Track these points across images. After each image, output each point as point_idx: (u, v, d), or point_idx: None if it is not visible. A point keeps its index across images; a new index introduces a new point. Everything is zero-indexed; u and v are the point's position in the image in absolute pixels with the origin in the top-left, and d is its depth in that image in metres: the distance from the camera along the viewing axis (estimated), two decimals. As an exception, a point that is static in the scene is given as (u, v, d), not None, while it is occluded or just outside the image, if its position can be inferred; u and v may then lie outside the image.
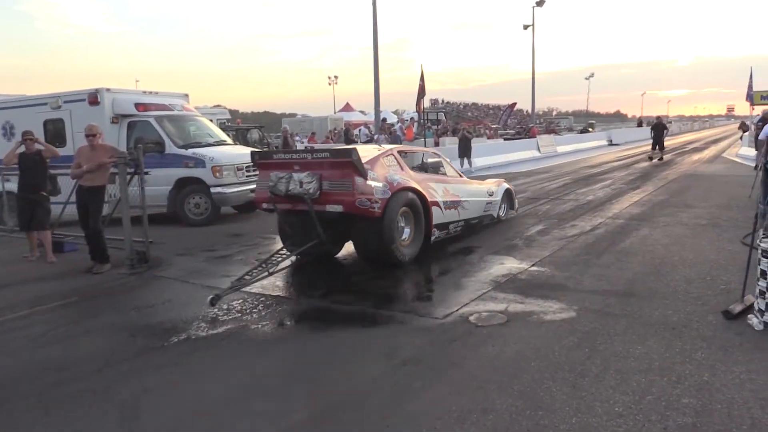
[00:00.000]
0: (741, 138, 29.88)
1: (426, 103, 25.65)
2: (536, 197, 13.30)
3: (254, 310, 5.67)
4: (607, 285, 6.06)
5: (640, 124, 62.38)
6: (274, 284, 6.56)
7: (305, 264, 7.52)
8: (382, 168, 7.25)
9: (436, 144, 23.97)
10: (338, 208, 6.68)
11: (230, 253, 8.33)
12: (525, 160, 25.34)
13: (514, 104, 56.57)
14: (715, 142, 40.20)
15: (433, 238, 7.90)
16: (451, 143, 23.32)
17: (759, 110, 29.62)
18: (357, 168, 6.71)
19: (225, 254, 8.29)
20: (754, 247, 5.19)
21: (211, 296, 5.65)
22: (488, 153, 23.94)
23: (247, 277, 6.21)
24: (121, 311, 5.93)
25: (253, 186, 11.14)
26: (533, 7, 41.46)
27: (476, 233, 9.08)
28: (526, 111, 62.54)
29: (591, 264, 6.97)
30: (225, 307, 5.80)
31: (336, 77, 74.35)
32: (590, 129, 55.30)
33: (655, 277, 6.30)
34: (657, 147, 22.80)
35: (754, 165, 15.46)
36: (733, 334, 4.60)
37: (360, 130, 30.87)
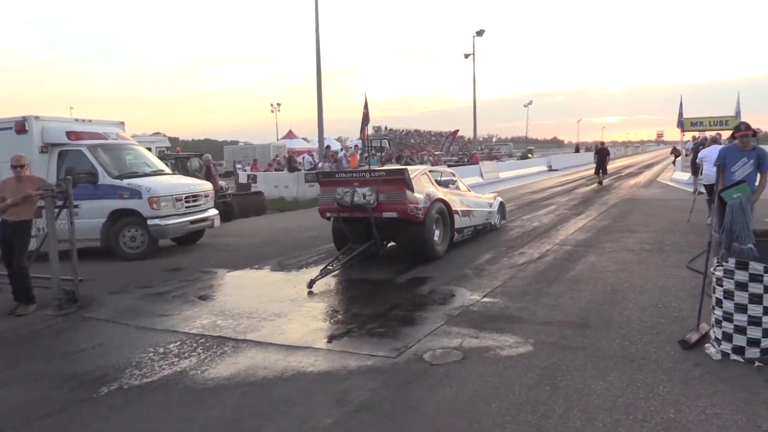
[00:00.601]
0: (674, 163, 31.04)
1: (369, 130, 25.56)
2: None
3: (193, 354, 5.26)
4: (561, 315, 5.93)
5: (577, 150, 64.29)
6: (214, 323, 6.17)
7: (242, 300, 7.14)
8: (420, 184, 9.20)
9: (381, 171, 23.88)
10: (393, 215, 8.58)
11: (168, 290, 7.85)
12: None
13: (457, 131, 57.41)
14: (649, 166, 41.69)
15: (455, 239, 9.93)
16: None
17: (689, 136, 30.85)
18: (407, 183, 8.66)
19: (162, 291, 7.81)
20: (702, 273, 5.19)
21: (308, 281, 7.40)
22: (433, 180, 23.97)
23: (329, 267, 8.19)
24: (45, 358, 5.42)
25: (193, 217, 10.84)
26: (473, 36, 42.41)
27: (424, 263, 8.88)
28: (468, 138, 63.58)
29: (543, 293, 6.86)
30: (161, 350, 5.38)
31: (278, 104, 74.05)
32: (529, 155, 56.66)
33: (608, 305, 6.22)
34: (600, 171, 23.81)
35: (692, 189, 15.93)
36: (693, 365, 4.50)
37: (303, 157, 30.53)
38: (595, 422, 3.64)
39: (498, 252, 9.62)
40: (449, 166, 34.20)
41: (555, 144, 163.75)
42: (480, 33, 42.39)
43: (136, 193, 10.24)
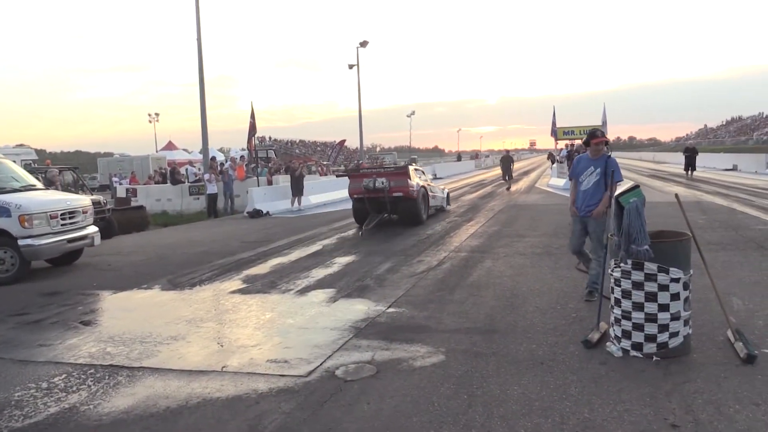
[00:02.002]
0: (551, 168, 32.86)
1: (254, 140, 25.00)
2: (377, 233, 13.29)
3: (82, 387, 4.78)
4: (468, 322, 5.99)
5: (459, 159, 66.52)
6: (103, 351, 5.67)
7: (133, 324, 6.65)
8: (413, 176, 14.55)
9: (269, 183, 23.40)
10: (399, 194, 13.82)
11: (46, 316, 7.15)
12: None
13: (344, 141, 57.68)
14: (526, 173, 43.85)
15: (429, 212, 15.41)
16: (284, 181, 22.88)
17: (562, 144, 32.75)
18: (408, 175, 14.26)
19: (39, 318, 7.11)
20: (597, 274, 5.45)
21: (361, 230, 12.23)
22: (324, 190, 23.82)
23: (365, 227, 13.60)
24: None
25: (71, 236, 10.02)
26: (357, 47, 42.75)
27: (325, 275, 8.73)
28: (354, 148, 64.00)
29: (447, 301, 6.92)
30: (44, 385, 4.85)
31: (157, 114, 71.22)
32: (414, 164, 57.92)
33: (510, 310, 6.36)
34: (507, 177, 25.92)
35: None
36: (598, 364, 4.67)
37: (187, 169, 29.36)
38: (517, 428, 3.66)
39: (396, 261, 9.64)
40: (338, 176, 34.26)
41: (437, 153, 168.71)
42: (364, 44, 42.86)
43: (4, 211, 9.31)
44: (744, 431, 3.53)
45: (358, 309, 6.76)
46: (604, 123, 33.48)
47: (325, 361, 5.06)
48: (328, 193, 23.95)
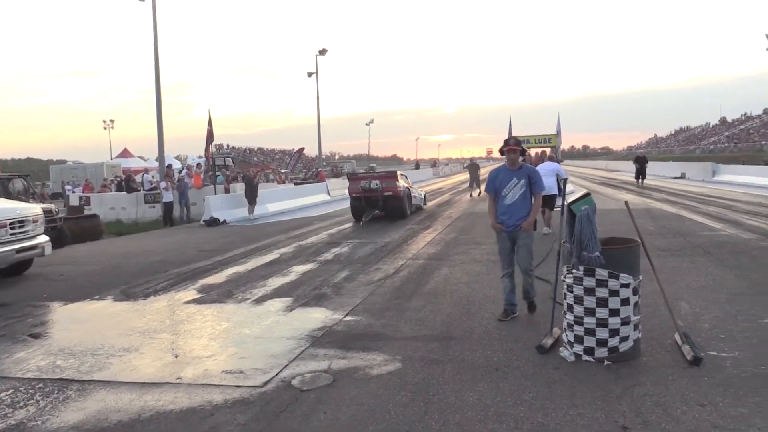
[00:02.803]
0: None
1: (212, 148, 24.69)
2: (335, 241, 13.27)
3: (30, 402, 4.62)
4: (425, 330, 6.02)
5: (417, 167, 66.90)
6: (53, 365, 5.50)
7: (84, 336, 6.48)
8: (400, 179, 18.15)
9: (227, 191, 23.13)
10: (390, 193, 17.17)
11: (-9, 330, 6.91)
12: (317, 203, 25.51)
13: (302, 149, 57.48)
14: (484, 181, 44.29)
15: (412, 209, 18.86)
16: (242, 189, 22.64)
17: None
18: (396, 178, 17.78)
19: (-16, 332, 6.86)
20: (545, 280, 5.54)
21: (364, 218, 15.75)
22: (281, 198, 23.68)
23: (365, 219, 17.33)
24: None
25: (20, 245, 9.72)
26: (316, 55, 42.72)
27: (282, 284, 8.67)
28: (313, 156, 63.80)
29: (404, 308, 6.94)
30: (-11, 401, 4.68)
31: (112, 121, 69.95)
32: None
33: (467, 317, 6.42)
34: (474, 184, 26.63)
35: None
36: (552, 369, 4.75)
37: (143, 176, 28.79)
38: (472, 434, 3.69)
39: (354, 269, 9.64)
40: (296, 184, 34.11)
41: (395, 161, 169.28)
42: (323, 52, 42.87)
43: (-53, 221, 8.98)
44: (690, 431, 3.64)
45: (315, 318, 6.73)
46: (559, 132, 34.23)
47: (281, 371, 5.02)
48: (287, 201, 23.83)
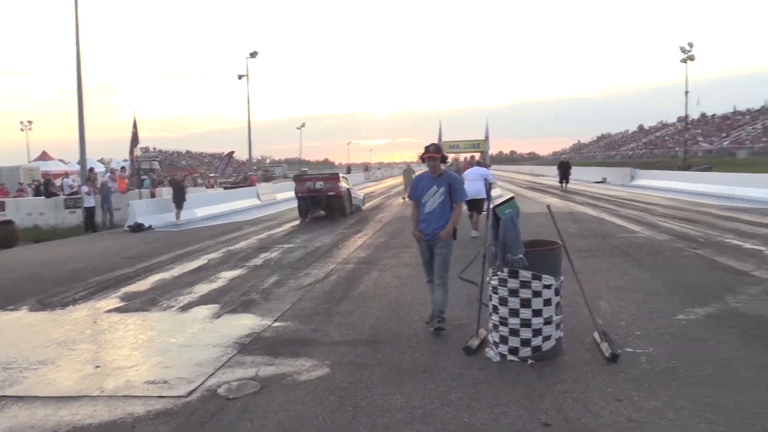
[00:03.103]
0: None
1: (137, 151, 23.91)
2: (265, 246, 13.10)
3: (-68, 421, 4.35)
4: (353, 334, 6.03)
5: (348, 171, 66.91)
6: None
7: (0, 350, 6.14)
8: (342, 181, 19.96)
9: (153, 195, 22.45)
10: (332, 193, 18.70)
11: None
12: (247, 208, 25.13)
13: (232, 153, 56.48)
14: (414, 185, 44.69)
15: (351, 208, 20.25)
16: (168, 193, 22.03)
17: (450, 158, 33.78)
18: (339, 180, 19.64)
19: None
20: (473, 282, 5.62)
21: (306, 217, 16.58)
22: (210, 203, 23.19)
23: (307, 218, 19.06)
24: None
25: None
26: (247, 58, 42.10)
27: (210, 290, 8.49)
28: (244, 159, 62.82)
29: (333, 313, 6.93)
30: None
31: (30, 122, 66.64)
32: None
33: (396, 320, 6.47)
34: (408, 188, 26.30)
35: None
36: (478, 370, 4.84)
37: (63, 180, 27.54)
38: (399, 437, 3.72)
39: (283, 274, 9.54)
40: (225, 188, 33.49)
41: (327, 165, 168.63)
42: (254, 55, 42.29)
43: None
44: (608, 425, 3.79)
45: (242, 324, 6.62)
46: (487, 137, 35.01)
47: (207, 379, 4.91)
48: (216, 205, 23.37)
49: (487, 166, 17.90)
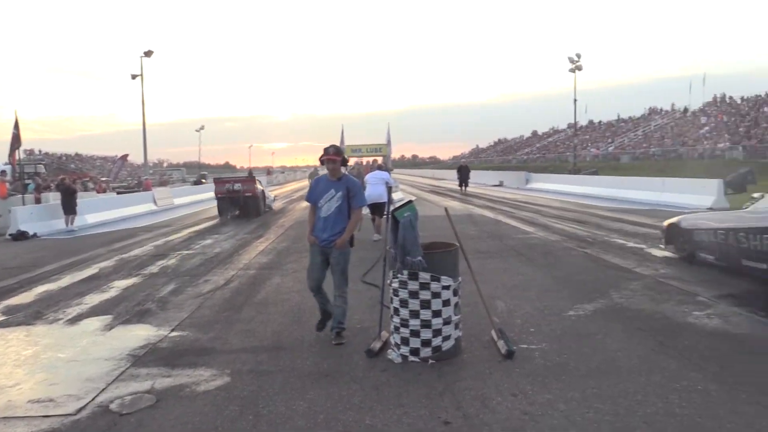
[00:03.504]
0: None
1: (20, 154, 22.34)
2: (162, 253, 12.60)
3: None
4: (255, 341, 5.91)
5: (250, 175, 65.55)
6: None
7: None
8: (257, 183, 21.72)
9: (38, 201, 21.06)
10: (249, 194, 20.61)
11: None
12: (142, 214, 24.11)
13: (126, 156, 53.95)
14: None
15: (265, 208, 22.30)
16: (55, 199, 20.74)
17: (351, 162, 33.89)
18: (255, 182, 21.52)
19: None
20: (375, 285, 5.67)
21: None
22: (102, 208, 22.03)
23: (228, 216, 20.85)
24: None
25: None
26: (141, 56, 40.35)
27: (101, 301, 8.07)
28: (139, 163, 60.28)
29: (233, 320, 6.77)
30: None
31: None
32: (203, 180, 56.08)
33: (297, 325, 6.41)
34: None
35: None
36: (380, 372, 4.89)
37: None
38: (301, 443, 3.68)
39: (181, 282, 9.22)
40: (118, 192, 31.98)
41: (228, 169, 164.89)
42: (149, 54, 40.54)
43: None
44: (504, 420, 3.92)
45: (137, 335, 6.33)
46: (389, 142, 35.42)
47: (97, 395, 4.65)
48: (108, 211, 22.25)
49: (389, 170, 18.14)
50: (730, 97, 50.43)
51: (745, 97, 48.42)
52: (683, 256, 9.60)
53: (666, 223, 10.48)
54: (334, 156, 5.71)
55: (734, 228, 8.21)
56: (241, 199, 20.79)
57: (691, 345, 5.33)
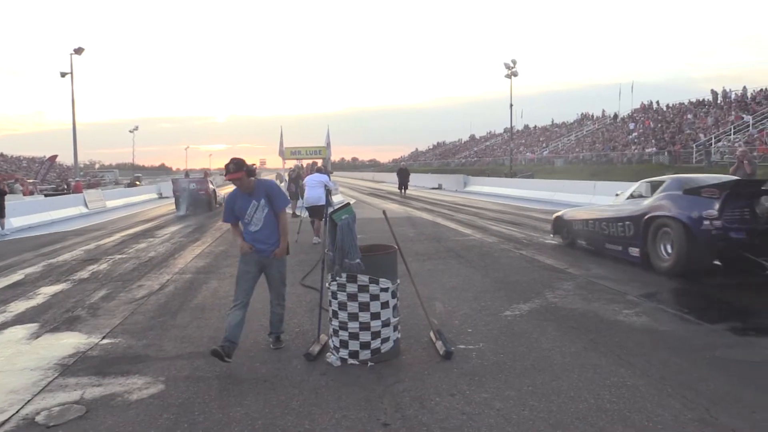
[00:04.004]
0: (280, 186, 33.70)
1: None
2: (93, 258, 12.15)
3: None
4: (190, 347, 5.78)
5: (187, 176, 64.36)
6: None
7: None
8: (209, 183, 25.37)
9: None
10: (203, 192, 24.12)
11: None
12: (72, 217, 23.22)
13: (55, 157, 51.84)
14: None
15: (216, 205, 24.66)
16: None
17: (291, 164, 33.58)
18: (208, 181, 25.38)
19: None
20: (315, 288, 5.65)
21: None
22: (28, 211, 21.07)
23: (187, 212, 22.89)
24: None
25: None
26: (71, 54, 38.88)
27: (27, 308, 7.71)
28: (69, 164, 58.04)
29: (168, 326, 6.60)
30: None
31: None
32: (138, 182, 54.54)
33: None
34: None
35: (292, 213, 17.38)
36: (319, 375, 4.86)
37: None
38: (238, 450, 3.62)
39: (113, 287, 8.92)
40: (46, 195, 30.71)
41: (164, 171, 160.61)
42: (78, 51, 39.11)
43: None
44: (442, 420, 3.97)
45: (66, 343, 6.09)
46: (329, 144, 35.26)
47: (23, 407, 4.44)
48: (35, 214, 21.33)
49: (329, 173, 18.08)
50: (657, 104, 52.61)
51: (670, 105, 50.61)
52: (567, 243, 11.76)
53: (553, 216, 12.56)
54: (235, 174, 5.21)
55: (599, 219, 10.43)
56: (195, 196, 23.79)
57: (620, 342, 5.53)
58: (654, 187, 9.58)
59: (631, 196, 10.15)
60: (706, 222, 7.86)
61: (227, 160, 5.29)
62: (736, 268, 8.60)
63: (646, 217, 8.92)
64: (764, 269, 8.12)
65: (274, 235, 5.47)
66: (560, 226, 12.08)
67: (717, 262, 8.88)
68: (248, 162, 5.36)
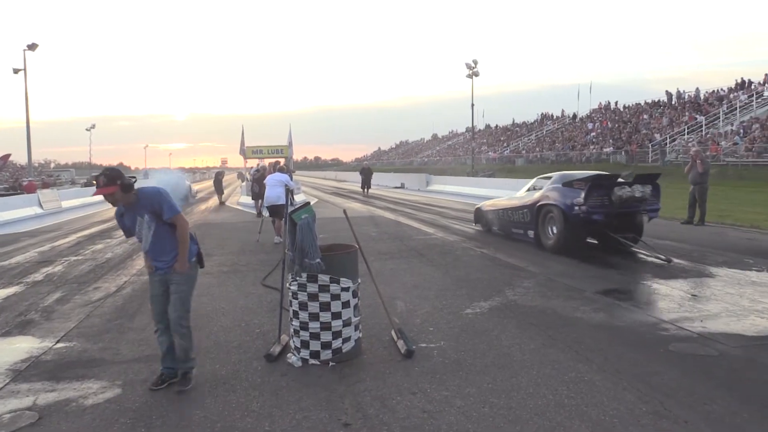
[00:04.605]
0: (242, 186, 33.47)
1: None
2: (47, 260, 11.83)
3: None
4: (148, 350, 5.66)
5: (146, 176, 63.32)
6: None
7: None
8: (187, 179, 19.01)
9: None
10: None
11: None
12: (25, 218, 22.55)
13: (8, 156, 50.31)
14: (227, 187, 43.43)
15: (191, 199, 22.10)
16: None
17: (252, 163, 33.29)
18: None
19: None
20: (276, 288, 5.59)
21: None
22: (-23, 213, 20.43)
23: None
24: None
25: None
26: (25, 50, 37.76)
27: (-23, 312, 7.47)
28: (23, 164, 56.42)
29: (125, 329, 6.47)
30: None
31: None
32: (94, 182, 53.37)
33: (195, 331, 6.10)
34: (220, 192, 28.68)
35: (256, 213, 17.24)
36: (280, 376, 4.82)
37: None
38: (197, 454, 3.57)
39: (68, 290, 8.70)
40: (-2, 196, 29.77)
41: (122, 170, 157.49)
42: (32, 47, 38.03)
43: None
44: (403, 418, 3.98)
45: (18, 348, 5.91)
46: (291, 143, 35.06)
47: (-30, 415, 4.31)
48: (-15, 216, 20.66)
49: (291, 172, 17.98)
50: (614, 105, 53.74)
51: (627, 105, 51.78)
52: (485, 230, 13.79)
53: (475, 208, 14.88)
54: (105, 189, 4.42)
55: (506, 208, 12.66)
56: None
57: (578, 338, 5.63)
58: (546, 181, 11.70)
59: (531, 189, 12.20)
60: (576, 208, 9.90)
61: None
62: (609, 246, 10.60)
63: (537, 205, 11.10)
64: (619, 243, 10.31)
65: (172, 250, 4.65)
66: (480, 216, 14.27)
67: (593, 240, 11.03)
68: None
